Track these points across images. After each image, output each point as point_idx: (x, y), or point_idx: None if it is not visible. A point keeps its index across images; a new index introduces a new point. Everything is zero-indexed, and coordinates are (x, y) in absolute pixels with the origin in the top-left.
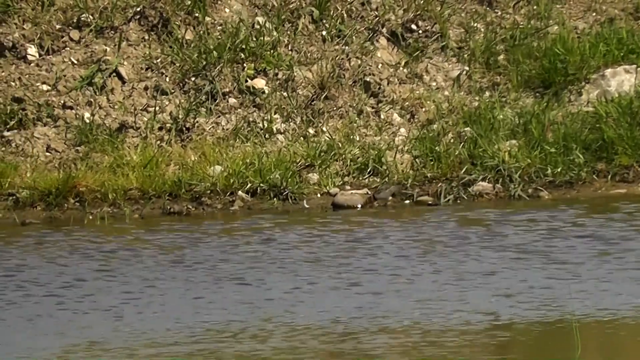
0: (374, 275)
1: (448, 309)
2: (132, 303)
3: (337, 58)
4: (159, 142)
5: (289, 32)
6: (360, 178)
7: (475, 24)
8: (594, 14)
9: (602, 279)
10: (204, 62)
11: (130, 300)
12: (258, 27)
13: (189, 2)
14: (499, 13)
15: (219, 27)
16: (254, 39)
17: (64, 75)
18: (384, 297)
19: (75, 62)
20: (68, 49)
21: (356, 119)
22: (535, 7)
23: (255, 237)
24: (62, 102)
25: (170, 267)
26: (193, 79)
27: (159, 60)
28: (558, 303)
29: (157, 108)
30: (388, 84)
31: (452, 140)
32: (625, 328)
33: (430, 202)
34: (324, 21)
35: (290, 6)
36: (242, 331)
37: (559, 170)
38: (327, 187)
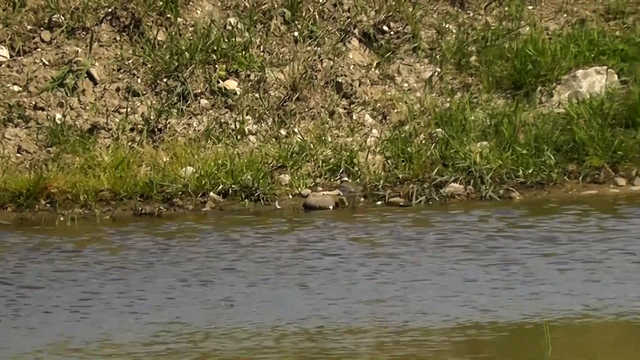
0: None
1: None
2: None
3: (309, 59)
4: (130, 143)
5: (260, 33)
6: (332, 179)
7: (447, 25)
8: (565, 15)
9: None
10: (176, 63)
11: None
12: (230, 28)
13: (161, 3)
14: (471, 14)
15: (190, 28)
16: (226, 40)
17: (35, 76)
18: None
19: (47, 63)
20: (39, 49)
21: (328, 120)
22: (506, 8)
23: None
24: (34, 103)
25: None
26: (165, 80)
27: (130, 61)
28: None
29: (129, 109)
30: (360, 85)
31: (423, 142)
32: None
33: (402, 204)
34: (296, 22)
35: (262, 7)
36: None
37: (530, 171)
38: (299, 189)
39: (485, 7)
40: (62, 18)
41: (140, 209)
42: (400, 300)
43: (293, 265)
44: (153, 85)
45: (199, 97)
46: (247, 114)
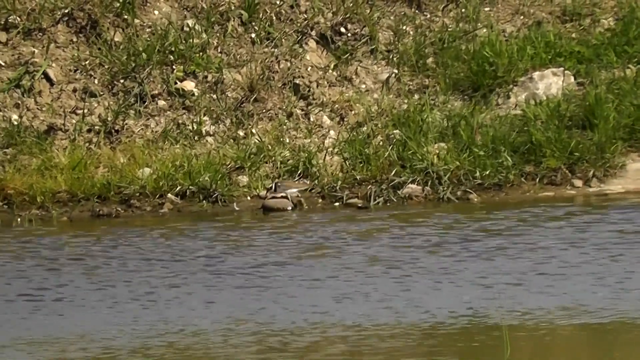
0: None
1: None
2: None
3: (266, 60)
4: (87, 144)
5: (218, 35)
6: (291, 180)
7: (404, 27)
8: (522, 17)
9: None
10: (133, 64)
11: None
12: (187, 29)
13: (118, 4)
14: (428, 16)
15: (148, 30)
16: (183, 41)
17: None
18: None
19: (3, 64)
20: None
21: (286, 121)
22: (463, 10)
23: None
24: None
25: None
26: (122, 81)
27: (87, 62)
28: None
29: (86, 110)
30: (317, 86)
31: (381, 143)
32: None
33: (360, 205)
34: (253, 24)
35: (220, 9)
36: None
37: (487, 172)
38: (257, 190)
39: (443, 9)
40: (18, 19)
41: (97, 210)
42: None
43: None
44: (110, 86)
45: (156, 98)
46: (204, 115)
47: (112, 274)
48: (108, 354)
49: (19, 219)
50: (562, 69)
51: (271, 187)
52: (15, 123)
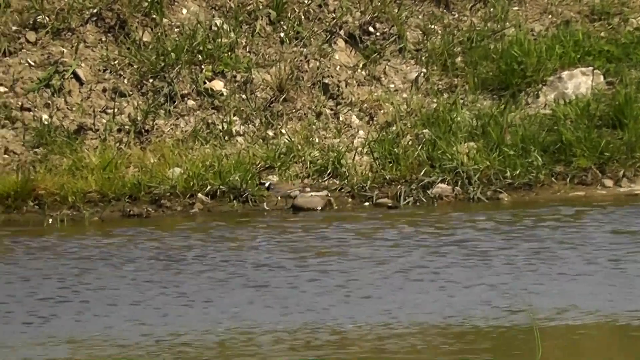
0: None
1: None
2: None
3: (295, 60)
4: (117, 144)
5: (246, 34)
6: (320, 180)
7: (433, 26)
8: (550, 16)
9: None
10: (162, 64)
11: None
12: (216, 29)
13: (146, 4)
14: (456, 15)
15: (176, 29)
16: (212, 40)
17: (21, 77)
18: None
19: (32, 63)
20: (25, 50)
21: (315, 121)
22: (492, 9)
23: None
24: (20, 104)
25: None
26: (151, 80)
27: (116, 62)
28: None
29: (116, 110)
30: (346, 85)
31: (410, 142)
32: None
33: (389, 205)
34: (282, 23)
35: (248, 8)
36: None
37: (517, 172)
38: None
39: (471, 8)
40: (47, 19)
41: (128, 210)
42: None
43: None
44: (139, 86)
45: (185, 98)
46: (234, 115)
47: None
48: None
49: (50, 220)
50: (591, 68)
51: (268, 186)
52: (46, 123)
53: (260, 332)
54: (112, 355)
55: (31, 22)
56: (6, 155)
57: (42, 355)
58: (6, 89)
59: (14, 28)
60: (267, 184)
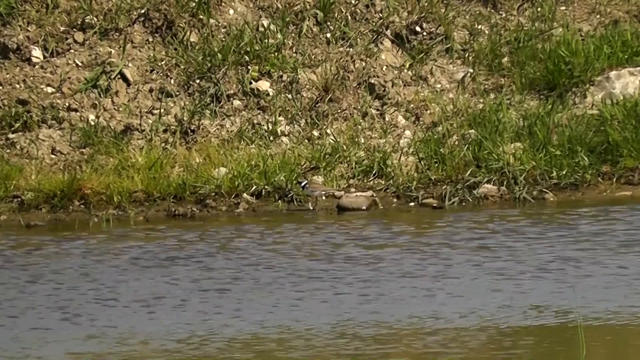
0: None
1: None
2: None
3: (341, 60)
4: (163, 144)
5: (293, 35)
6: (365, 180)
7: (480, 26)
8: (598, 16)
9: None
10: (209, 65)
11: None
12: (262, 29)
13: (194, 4)
14: (503, 15)
15: (223, 30)
16: (259, 41)
17: (69, 78)
18: None
19: (80, 64)
20: (72, 51)
21: (361, 121)
22: (539, 9)
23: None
24: (67, 104)
25: None
26: (198, 81)
27: (163, 62)
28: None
29: (162, 110)
30: (393, 86)
31: (456, 143)
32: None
33: (435, 205)
34: (328, 23)
35: (295, 8)
36: None
37: (564, 172)
38: (332, 190)
39: (518, 8)
40: (95, 19)
41: (173, 210)
42: None
43: None
44: (186, 87)
45: (231, 98)
46: (279, 115)
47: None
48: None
49: (95, 219)
50: (639, 68)
51: (303, 186)
52: (93, 123)
53: None
54: None
55: (79, 23)
56: (53, 155)
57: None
58: (54, 90)
59: (62, 29)
60: (303, 183)
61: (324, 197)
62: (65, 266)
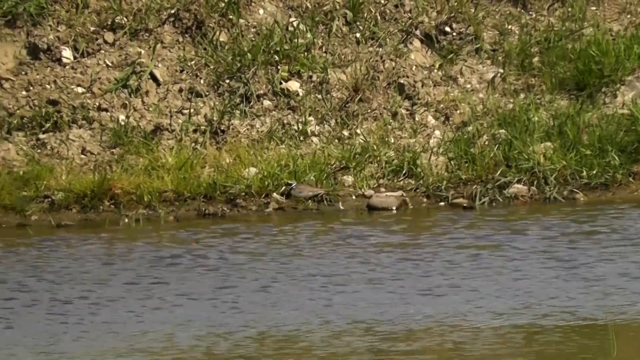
0: None
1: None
2: None
3: (371, 60)
4: (193, 144)
5: (322, 34)
6: (395, 180)
7: (510, 26)
8: (629, 15)
9: None
10: (239, 64)
11: None
12: (292, 29)
13: (223, 4)
14: (534, 15)
15: (253, 29)
16: (288, 41)
17: (99, 78)
18: None
19: (110, 64)
20: (102, 51)
21: (390, 121)
22: (569, 9)
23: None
24: (97, 104)
25: None
26: (227, 81)
27: (193, 62)
28: None
29: (192, 110)
30: (422, 86)
31: (486, 143)
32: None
33: (465, 205)
34: (358, 23)
35: (324, 8)
36: None
37: (594, 172)
38: (362, 189)
39: (548, 8)
40: (125, 20)
41: (204, 209)
42: None
43: None
44: (216, 87)
45: (261, 98)
46: (309, 115)
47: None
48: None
49: (126, 219)
50: None
51: (291, 188)
52: (123, 123)
53: None
54: None
55: (109, 23)
56: (83, 155)
57: None
58: (84, 90)
59: (92, 29)
60: (291, 185)
61: (310, 198)
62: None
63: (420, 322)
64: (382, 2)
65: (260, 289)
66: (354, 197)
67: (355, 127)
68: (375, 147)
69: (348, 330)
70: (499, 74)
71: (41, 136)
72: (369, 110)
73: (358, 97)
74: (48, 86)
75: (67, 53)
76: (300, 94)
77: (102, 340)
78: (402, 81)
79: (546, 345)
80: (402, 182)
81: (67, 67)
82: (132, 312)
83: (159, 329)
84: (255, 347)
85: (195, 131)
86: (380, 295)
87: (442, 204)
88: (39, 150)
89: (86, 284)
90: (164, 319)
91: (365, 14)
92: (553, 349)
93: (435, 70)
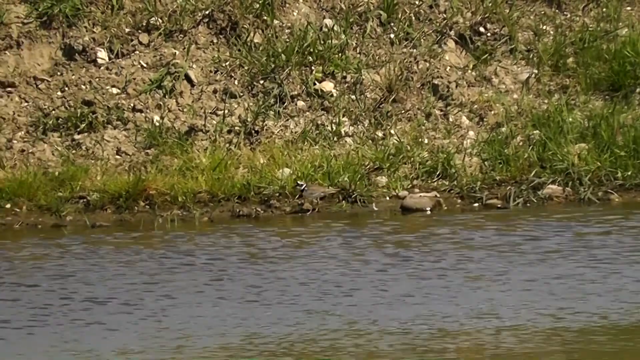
0: None
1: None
2: None
3: (405, 61)
4: (227, 145)
5: (357, 35)
6: (429, 181)
7: (544, 27)
8: None
9: None
10: (273, 65)
11: None
12: (326, 30)
13: (258, 6)
14: (568, 15)
15: (287, 30)
16: (322, 42)
17: (134, 79)
18: None
19: (145, 65)
20: (137, 52)
21: (424, 121)
22: (604, 9)
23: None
24: (132, 105)
25: None
26: (262, 82)
27: (227, 63)
28: None
29: (226, 111)
30: (456, 86)
31: (521, 143)
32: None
33: (499, 205)
34: (392, 24)
35: (358, 9)
36: None
37: (629, 173)
38: (396, 190)
39: (583, 9)
40: (160, 21)
41: (238, 210)
42: None
43: None
44: (250, 87)
45: (295, 99)
46: (343, 116)
47: None
48: None
49: (160, 220)
50: None
51: (302, 190)
52: (157, 124)
53: None
54: None
55: (144, 24)
56: (118, 156)
57: None
58: (119, 91)
59: (127, 30)
60: (302, 186)
61: (320, 199)
62: None
63: None
64: (417, 2)
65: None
66: (387, 198)
67: (389, 127)
68: (409, 148)
69: None
70: (533, 75)
71: (76, 137)
72: (403, 111)
73: (392, 98)
74: (83, 87)
75: (102, 54)
76: (334, 95)
77: None
78: (436, 82)
79: None
80: (435, 183)
81: (102, 68)
82: None
83: None
84: None
85: (229, 132)
86: None
87: (476, 204)
88: (74, 151)
89: None
90: None
91: (400, 15)
92: None
93: (470, 71)
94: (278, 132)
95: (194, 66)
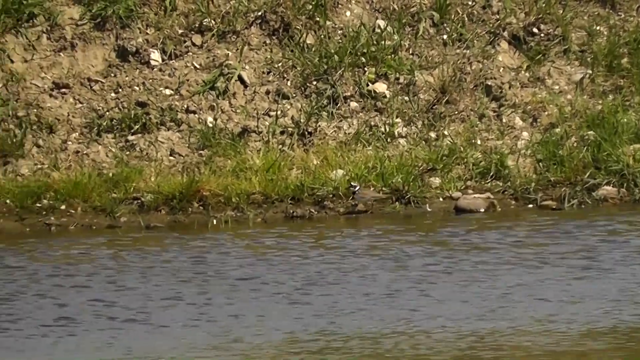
0: None
1: None
2: None
3: (458, 62)
4: (281, 146)
5: (409, 36)
6: (483, 182)
7: (598, 27)
8: None
9: None
10: (325, 66)
11: None
12: (379, 31)
13: (310, 7)
14: (622, 16)
15: (339, 31)
16: (375, 43)
17: (187, 80)
18: None
19: (198, 66)
20: (190, 53)
21: (478, 122)
22: None
23: None
24: (185, 106)
25: None
26: (314, 83)
27: (280, 64)
28: None
29: (279, 112)
30: (510, 87)
31: (575, 144)
32: None
33: (554, 207)
34: (445, 25)
35: (411, 10)
36: None
37: None
38: (450, 191)
39: (637, 9)
40: (213, 22)
41: (291, 211)
42: None
43: None
44: (303, 88)
45: (348, 100)
46: (396, 117)
47: None
48: None
49: (214, 221)
50: None
51: (354, 192)
52: (210, 125)
53: None
54: None
55: (197, 25)
56: (172, 157)
57: None
58: (172, 92)
59: (180, 31)
60: (355, 188)
61: (372, 202)
62: None
63: None
64: (470, 3)
65: None
66: (440, 199)
67: (442, 128)
68: (462, 149)
69: None
70: (587, 75)
71: (130, 138)
72: (456, 112)
73: (445, 99)
74: (137, 88)
75: (155, 55)
76: (387, 96)
77: None
78: (489, 83)
79: None
80: (489, 184)
81: (155, 69)
82: None
83: None
84: None
85: (282, 133)
86: None
87: (530, 206)
88: (127, 152)
89: None
90: None
91: (452, 16)
92: None
93: (523, 72)
94: (331, 133)
95: (247, 67)
